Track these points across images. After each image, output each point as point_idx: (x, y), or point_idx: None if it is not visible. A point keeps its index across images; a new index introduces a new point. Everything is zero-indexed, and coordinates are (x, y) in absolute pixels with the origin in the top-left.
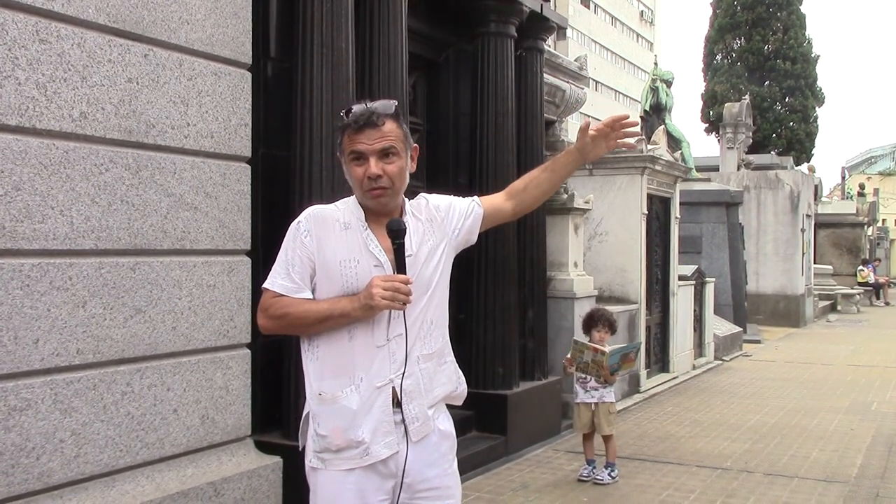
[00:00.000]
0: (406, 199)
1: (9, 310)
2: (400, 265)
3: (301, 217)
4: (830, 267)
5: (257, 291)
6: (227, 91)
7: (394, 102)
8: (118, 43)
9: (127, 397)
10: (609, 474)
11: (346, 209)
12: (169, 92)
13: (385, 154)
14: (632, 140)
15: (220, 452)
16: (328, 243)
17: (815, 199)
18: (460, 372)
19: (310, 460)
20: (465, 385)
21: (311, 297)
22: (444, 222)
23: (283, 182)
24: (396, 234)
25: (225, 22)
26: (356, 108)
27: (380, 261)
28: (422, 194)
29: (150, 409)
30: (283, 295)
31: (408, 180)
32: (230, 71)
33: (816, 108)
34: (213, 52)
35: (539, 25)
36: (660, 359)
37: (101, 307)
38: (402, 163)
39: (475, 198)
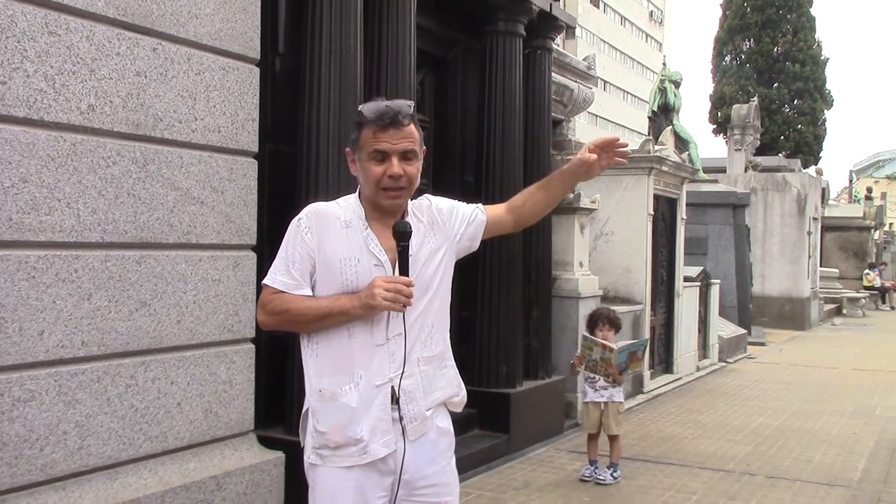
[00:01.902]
0: (409, 201)
1: (14, 301)
2: (403, 267)
3: (302, 214)
4: (836, 270)
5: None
6: (235, 86)
7: (412, 103)
8: (127, 36)
9: (131, 390)
10: (611, 474)
11: (348, 207)
12: (177, 86)
13: (405, 155)
14: (623, 159)
15: (222, 447)
16: (328, 241)
17: (823, 202)
18: (460, 378)
19: (308, 456)
20: (464, 392)
21: (310, 293)
22: (446, 226)
23: (289, 177)
24: (402, 235)
25: (234, 17)
26: (377, 105)
27: (380, 260)
28: (425, 195)
29: (153, 402)
30: (282, 291)
31: (419, 182)
32: (238, 66)
33: (825, 111)
34: (222, 47)
35: (548, 24)
36: (664, 360)
37: (107, 300)
38: (419, 165)
39: (479, 205)
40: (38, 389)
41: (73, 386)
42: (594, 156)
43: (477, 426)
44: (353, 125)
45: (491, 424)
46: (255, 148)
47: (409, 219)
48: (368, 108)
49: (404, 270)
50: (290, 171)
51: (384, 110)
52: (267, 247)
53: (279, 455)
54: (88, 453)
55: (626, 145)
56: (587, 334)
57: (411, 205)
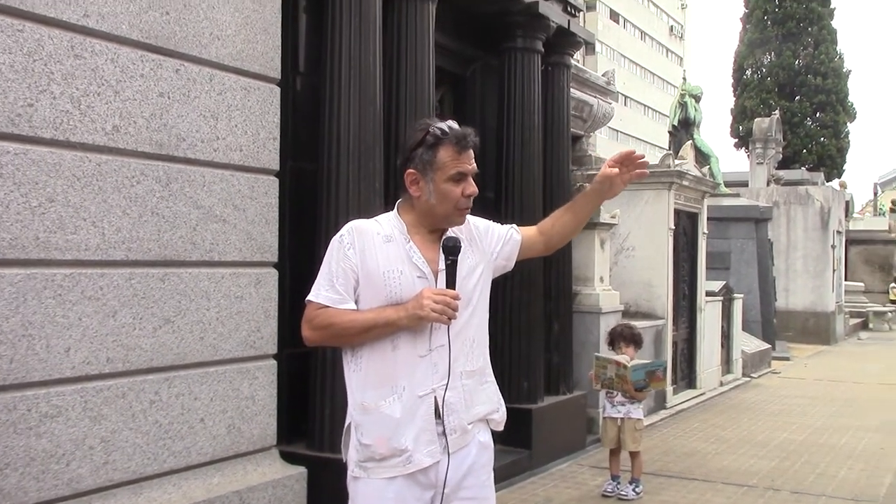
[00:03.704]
0: None
1: (41, 318)
2: (450, 280)
3: (343, 231)
4: (862, 284)
5: (284, 303)
6: (257, 105)
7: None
8: (150, 58)
9: (155, 406)
10: (633, 490)
11: (388, 223)
12: (199, 106)
13: (474, 177)
14: (644, 169)
15: (245, 462)
16: (370, 255)
17: (847, 216)
18: (500, 395)
19: (352, 470)
20: (504, 409)
21: (354, 307)
22: (483, 243)
23: (310, 194)
24: (452, 250)
25: (255, 38)
26: (451, 125)
27: (423, 272)
28: None
29: (177, 417)
30: (327, 306)
31: None
32: (259, 86)
33: (848, 124)
34: (243, 68)
35: (566, 41)
36: (686, 375)
37: (131, 317)
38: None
39: (513, 226)
40: (64, 405)
41: (98, 402)
42: (615, 169)
43: (498, 441)
44: (421, 146)
45: (513, 440)
46: (276, 166)
47: (451, 234)
48: (447, 130)
49: (451, 284)
50: (312, 189)
51: (460, 132)
52: (288, 263)
53: (301, 470)
54: (114, 468)
55: (643, 156)
56: (598, 354)
57: None
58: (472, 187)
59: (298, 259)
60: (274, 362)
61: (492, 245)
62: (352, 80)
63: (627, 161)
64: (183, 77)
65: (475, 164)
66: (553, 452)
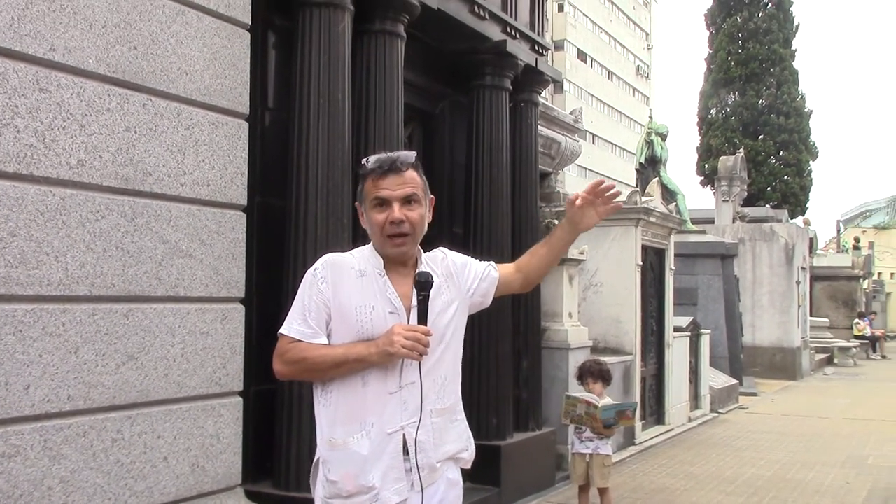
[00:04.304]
0: (421, 250)
1: (1, 355)
2: (422, 316)
3: (317, 264)
4: (827, 320)
5: (251, 339)
6: (225, 140)
7: (414, 153)
8: (117, 92)
9: (117, 444)
10: None
11: (362, 257)
12: (166, 141)
13: (407, 201)
14: (619, 200)
15: (209, 501)
16: (344, 289)
17: (811, 252)
18: (470, 434)
19: None
20: (473, 448)
21: (326, 342)
22: (460, 279)
23: (278, 230)
24: (423, 285)
25: (223, 73)
26: (378, 155)
27: (395, 307)
28: (440, 248)
29: (140, 456)
30: (299, 340)
31: (426, 229)
32: (227, 121)
33: (810, 162)
34: (211, 103)
35: (534, 79)
36: (655, 411)
37: (94, 353)
38: (422, 211)
39: (491, 262)
40: (23, 444)
41: (58, 441)
42: (576, 193)
43: (468, 479)
44: (360, 178)
45: (482, 477)
46: (243, 201)
47: (423, 269)
48: (370, 160)
49: (423, 320)
50: (280, 224)
51: (384, 159)
52: (256, 299)
53: None
54: None
55: (613, 186)
56: (569, 393)
57: (425, 256)
58: (394, 213)
59: (266, 295)
60: (240, 399)
61: (468, 282)
62: (321, 116)
63: (599, 191)
64: (150, 112)
65: (410, 189)
66: (522, 489)
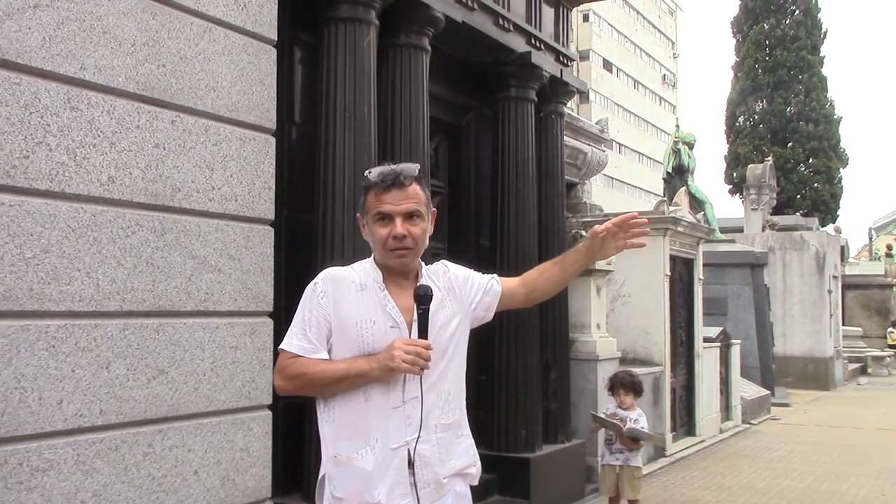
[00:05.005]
0: (422, 263)
1: (34, 371)
2: (423, 330)
3: (317, 279)
4: (860, 329)
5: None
6: (252, 155)
7: (417, 166)
8: (146, 110)
9: (148, 458)
10: None
11: (363, 271)
12: (195, 156)
13: (410, 216)
14: (643, 239)
15: None
16: (344, 304)
17: (842, 260)
18: (476, 450)
19: None
20: (479, 465)
21: (327, 357)
22: (462, 293)
23: (305, 244)
24: (423, 299)
25: (250, 89)
26: (381, 168)
27: (396, 322)
28: (442, 261)
29: (170, 470)
30: (299, 356)
31: (427, 243)
32: (255, 136)
33: (841, 169)
34: (239, 118)
35: (559, 90)
36: (685, 422)
37: (125, 368)
38: (424, 225)
39: (494, 276)
40: (56, 459)
41: (90, 455)
42: (601, 227)
43: (497, 492)
44: (361, 190)
45: (511, 490)
46: (271, 216)
47: (425, 282)
48: (372, 172)
49: (423, 333)
50: (307, 238)
51: (387, 173)
52: (284, 313)
53: None
54: None
55: (645, 222)
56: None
57: (426, 269)
58: (398, 229)
59: (293, 309)
60: (269, 413)
61: (471, 295)
62: (346, 130)
63: (626, 226)
64: (179, 128)
65: (412, 204)
66: (552, 502)
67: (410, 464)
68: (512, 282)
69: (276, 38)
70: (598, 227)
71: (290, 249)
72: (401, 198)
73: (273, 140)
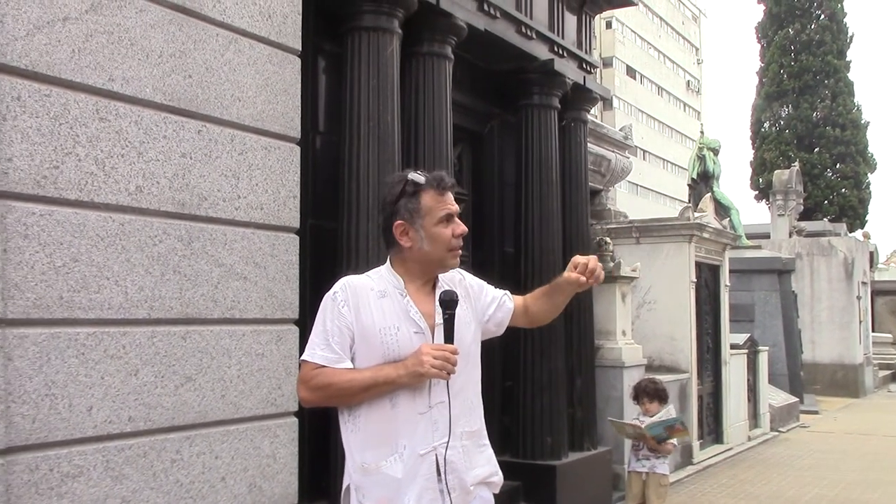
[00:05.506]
0: None
1: (64, 378)
2: (449, 335)
3: (336, 288)
4: (890, 335)
5: None
6: (277, 164)
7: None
8: (173, 120)
9: (176, 465)
10: None
11: (380, 278)
12: (221, 166)
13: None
14: (600, 274)
15: None
16: (366, 312)
17: (871, 266)
18: (496, 460)
19: None
20: (501, 475)
21: (351, 366)
22: (476, 302)
23: (330, 252)
24: (449, 304)
25: (275, 98)
26: (422, 173)
27: (420, 327)
28: (457, 269)
29: (198, 476)
30: (323, 366)
31: None
32: (280, 145)
33: (868, 174)
34: (264, 128)
35: (582, 97)
36: (713, 429)
37: (153, 375)
38: None
39: (507, 292)
40: (85, 465)
41: (119, 461)
42: (572, 275)
43: (522, 499)
44: (403, 197)
45: (536, 498)
46: (296, 224)
47: (441, 287)
48: (423, 176)
49: (450, 338)
50: (331, 246)
51: (438, 175)
52: (309, 321)
53: None
54: None
55: (596, 267)
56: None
57: (441, 277)
58: (460, 227)
59: None
60: (295, 420)
61: (485, 306)
62: (370, 139)
63: (583, 269)
64: (205, 138)
65: (457, 205)
66: None
67: (438, 470)
68: (520, 301)
69: (301, 49)
70: (566, 277)
71: (315, 257)
72: (452, 199)
73: (298, 149)
